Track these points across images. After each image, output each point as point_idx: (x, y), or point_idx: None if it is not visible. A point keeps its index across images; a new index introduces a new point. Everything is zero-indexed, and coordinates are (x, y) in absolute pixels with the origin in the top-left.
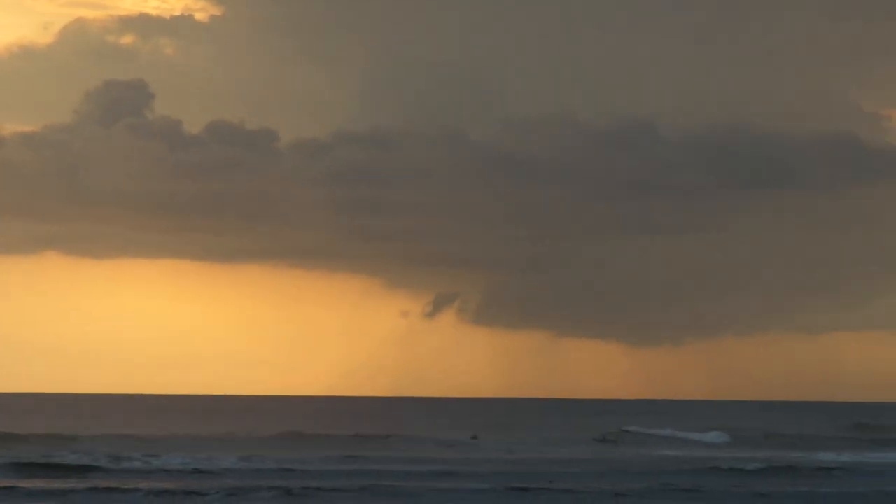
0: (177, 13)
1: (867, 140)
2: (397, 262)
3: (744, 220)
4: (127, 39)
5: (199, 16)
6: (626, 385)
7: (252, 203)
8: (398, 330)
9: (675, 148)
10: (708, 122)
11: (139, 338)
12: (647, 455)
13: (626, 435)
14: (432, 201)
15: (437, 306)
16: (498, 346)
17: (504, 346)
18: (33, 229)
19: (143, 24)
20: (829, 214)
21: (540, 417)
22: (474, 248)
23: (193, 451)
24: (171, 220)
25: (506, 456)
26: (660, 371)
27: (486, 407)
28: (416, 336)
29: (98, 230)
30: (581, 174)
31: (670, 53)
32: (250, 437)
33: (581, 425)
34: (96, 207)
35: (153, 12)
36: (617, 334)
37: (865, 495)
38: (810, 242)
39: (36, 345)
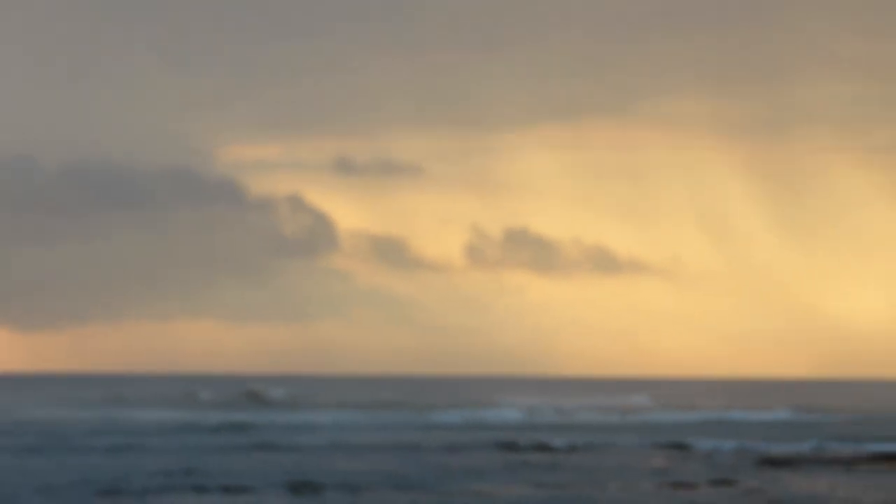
0: None
1: (201, 172)
2: None
3: (108, 234)
4: None
5: None
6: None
7: None
8: None
9: (53, 177)
10: (80, 154)
11: None
12: None
13: None
14: None
15: None
16: None
17: None
18: None
19: None
20: (172, 228)
21: None
22: None
23: None
24: None
25: None
26: None
27: None
28: None
29: None
30: None
31: (51, 93)
32: None
33: None
34: None
35: None
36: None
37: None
38: (158, 249)
39: None
